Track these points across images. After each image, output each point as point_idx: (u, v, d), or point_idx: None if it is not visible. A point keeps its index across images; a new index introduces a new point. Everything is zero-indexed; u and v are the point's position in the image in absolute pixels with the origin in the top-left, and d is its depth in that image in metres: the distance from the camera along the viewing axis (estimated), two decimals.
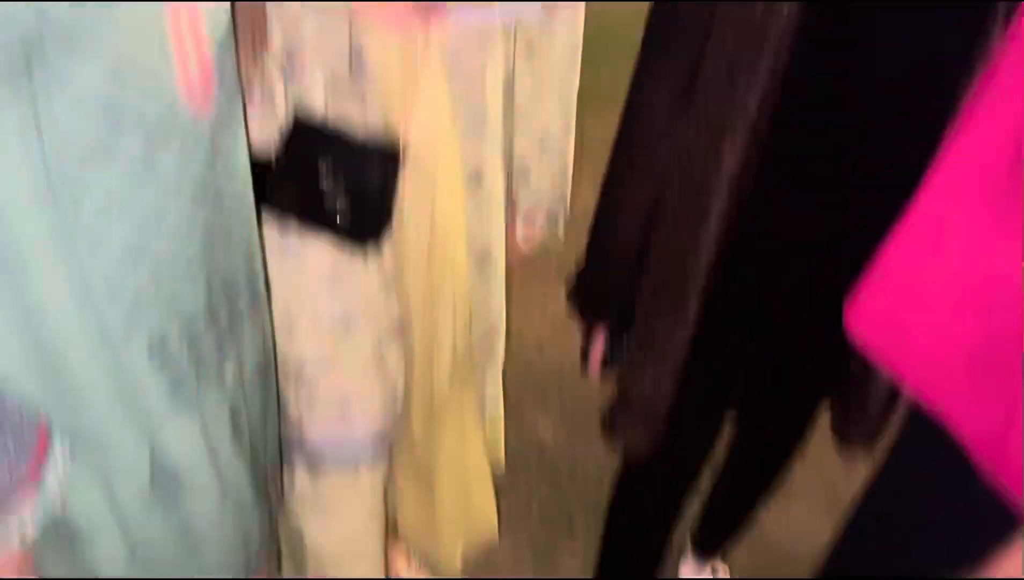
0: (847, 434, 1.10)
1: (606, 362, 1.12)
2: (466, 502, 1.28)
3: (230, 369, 0.76)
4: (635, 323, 1.04)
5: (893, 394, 1.04)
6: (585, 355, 1.14)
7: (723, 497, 1.52)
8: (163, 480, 0.71)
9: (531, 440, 1.90)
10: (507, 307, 1.13)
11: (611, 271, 1.06)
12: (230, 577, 0.81)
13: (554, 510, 1.76)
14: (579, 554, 1.68)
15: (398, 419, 1.06)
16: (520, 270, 2.18)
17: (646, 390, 1.04)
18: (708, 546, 1.60)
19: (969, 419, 0.71)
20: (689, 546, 1.63)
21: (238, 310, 0.77)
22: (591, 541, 1.69)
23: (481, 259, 1.01)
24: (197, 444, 0.73)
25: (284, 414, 0.99)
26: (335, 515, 1.04)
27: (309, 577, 1.09)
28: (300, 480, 1.02)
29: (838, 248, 0.95)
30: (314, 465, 1.01)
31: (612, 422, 1.12)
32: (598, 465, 1.73)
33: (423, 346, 1.03)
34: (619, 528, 1.35)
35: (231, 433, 0.78)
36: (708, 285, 0.95)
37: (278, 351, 0.95)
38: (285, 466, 1.02)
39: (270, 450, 0.90)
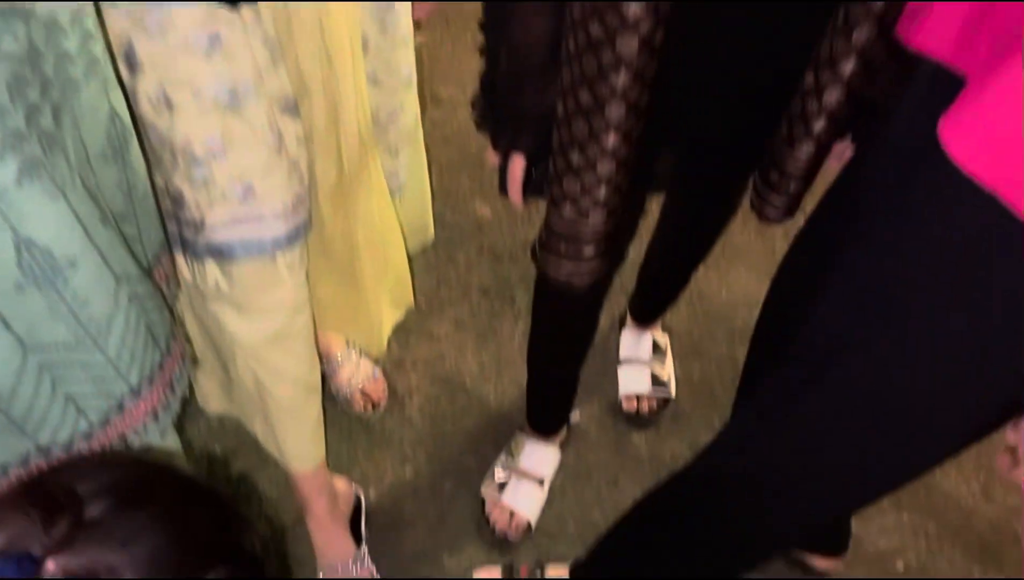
0: (765, 209, 1.05)
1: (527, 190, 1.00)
2: (386, 276, 1.24)
3: (70, 143, 0.67)
4: (553, 152, 0.91)
5: (810, 172, 0.99)
6: (503, 181, 1.00)
7: (657, 268, 1.51)
8: (36, 260, 0.64)
9: (469, 216, 1.85)
10: (427, 75, 1.02)
11: (517, 88, 0.91)
12: (138, 369, 0.76)
13: (495, 282, 1.75)
14: (521, 324, 1.69)
15: (306, 198, 0.98)
16: (446, 32, 1.98)
17: (569, 226, 0.95)
18: (646, 315, 1.62)
19: None
20: (628, 316, 1.64)
21: (70, 79, 0.67)
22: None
23: (381, 16, 0.88)
24: (63, 220, 0.65)
25: (183, 208, 0.90)
26: (258, 309, 0.99)
27: (241, 370, 1.06)
28: (213, 277, 0.95)
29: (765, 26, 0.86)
30: (225, 258, 0.93)
31: (535, 253, 1.04)
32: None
33: (324, 116, 0.93)
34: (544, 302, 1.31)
35: (99, 214, 0.70)
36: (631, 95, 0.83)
37: (159, 136, 0.85)
38: (195, 266, 0.95)
39: (149, 241, 0.82)
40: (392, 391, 1.58)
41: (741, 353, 1.67)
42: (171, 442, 0.91)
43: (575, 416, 1.56)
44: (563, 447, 1.49)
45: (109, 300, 0.71)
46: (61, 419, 0.71)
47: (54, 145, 0.66)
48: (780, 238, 1.90)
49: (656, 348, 1.61)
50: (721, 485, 0.98)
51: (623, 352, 1.61)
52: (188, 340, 1.15)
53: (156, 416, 0.79)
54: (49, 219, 0.64)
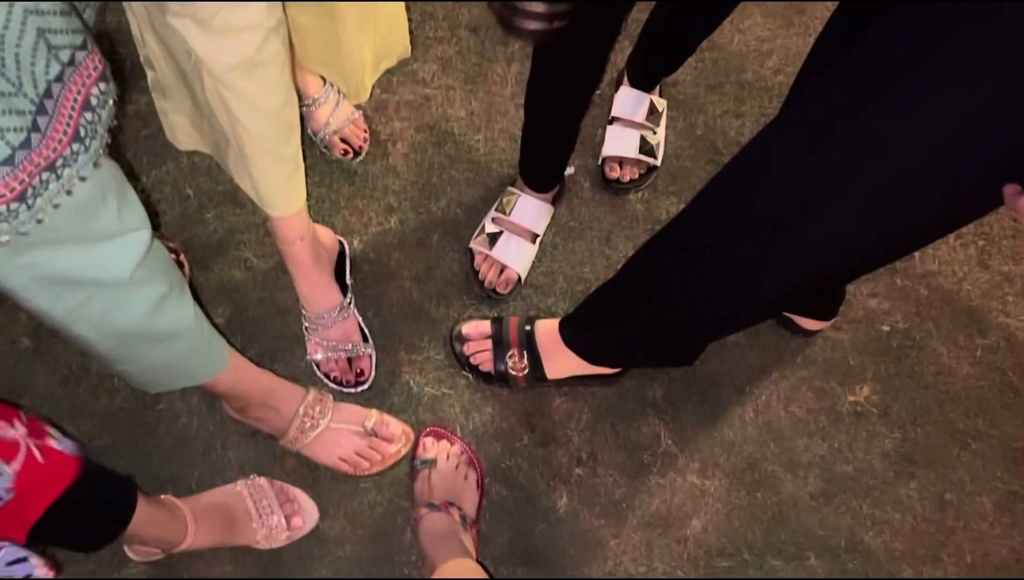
0: None
1: None
2: (371, 18, 1.09)
3: None
4: None
5: None
6: None
7: (663, 28, 1.35)
8: None
9: None
10: None
11: None
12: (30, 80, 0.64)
13: (487, 19, 1.58)
14: (515, 68, 1.55)
15: None
16: None
17: None
18: (644, 80, 1.48)
19: None
20: (625, 77, 1.50)
21: None
22: (525, 65, 1.55)
23: None
24: None
25: None
26: (225, 28, 0.85)
27: (212, 102, 0.93)
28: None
29: None
30: None
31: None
32: None
33: None
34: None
35: None
36: None
37: None
38: None
39: None
40: (374, 136, 1.47)
41: (748, 108, 1.57)
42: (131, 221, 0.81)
43: (570, 169, 1.48)
44: (555, 203, 1.41)
45: None
46: None
47: None
48: None
49: (651, 112, 1.48)
50: (715, 236, 0.93)
51: (615, 111, 1.49)
52: (150, 66, 1.01)
53: (82, 141, 0.68)
54: None
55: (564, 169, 1.39)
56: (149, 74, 1.05)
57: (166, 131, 1.12)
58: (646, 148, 1.45)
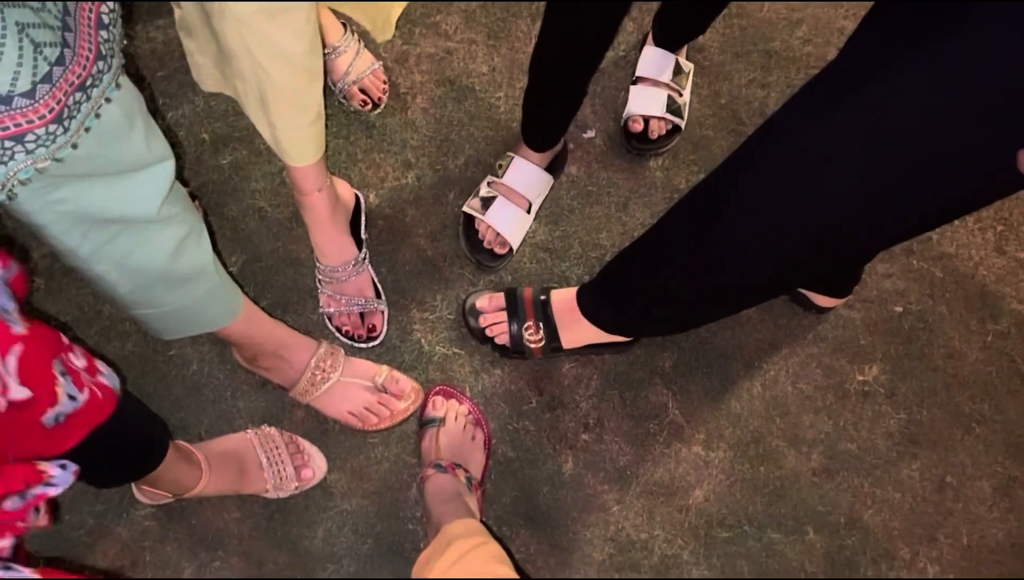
0: None
1: None
2: None
3: None
4: None
5: None
6: None
7: None
8: None
9: None
10: None
11: None
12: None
13: None
14: (539, 26, 1.51)
15: None
16: None
17: None
18: (670, 40, 1.44)
19: None
20: (651, 35, 1.47)
21: None
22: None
23: None
24: None
25: None
26: None
27: (235, 47, 0.91)
28: None
29: None
30: None
31: None
32: None
33: None
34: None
35: None
36: None
37: None
38: None
39: None
40: (394, 89, 1.44)
41: (774, 79, 1.54)
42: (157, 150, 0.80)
43: (590, 132, 1.45)
44: (555, 172, 1.38)
45: None
46: None
47: None
48: None
49: (677, 71, 1.46)
50: (731, 208, 0.92)
51: (640, 70, 1.45)
52: (176, 4, 0.99)
53: (104, 58, 0.67)
54: None
55: (566, 129, 1.33)
56: (176, 12, 1.02)
57: (192, 71, 1.10)
58: (673, 107, 1.43)
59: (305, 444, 1.21)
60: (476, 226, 1.34)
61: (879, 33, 0.79)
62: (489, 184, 1.35)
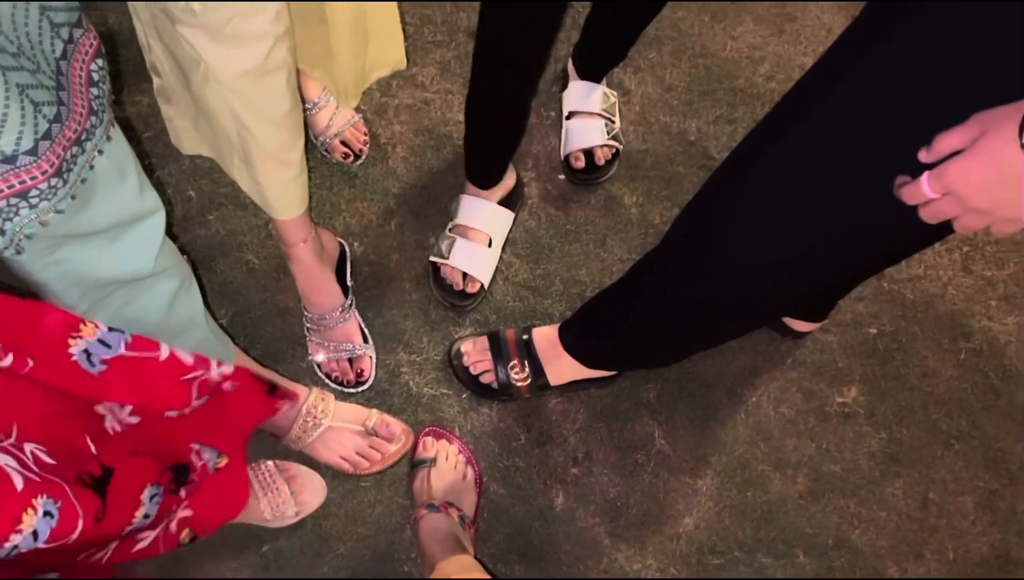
0: None
1: None
2: (363, 26, 1.11)
3: None
4: None
5: None
6: None
7: (604, 23, 1.37)
8: None
9: None
10: None
11: None
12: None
13: None
14: None
15: None
16: None
17: None
18: (593, 71, 1.49)
19: None
20: (571, 72, 1.52)
21: None
22: None
23: None
24: None
25: None
26: (235, 37, 0.86)
27: (218, 109, 0.95)
28: None
29: None
30: None
31: None
32: None
33: None
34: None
35: None
36: None
37: None
38: None
39: None
40: (374, 140, 1.49)
41: (740, 114, 1.60)
42: (150, 201, 0.84)
43: (563, 175, 1.50)
44: (513, 207, 1.41)
45: None
46: None
47: None
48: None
49: (605, 100, 1.50)
50: (703, 247, 0.96)
51: (571, 105, 1.50)
52: (155, 72, 1.03)
53: (95, 114, 0.72)
54: None
55: (507, 163, 1.37)
56: (155, 80, 1.06)
57: (171, 135, 1.14)
58: (612, 134, 1.48)
59: (301, 469, 1.23)
60: (442, 273, 1.37)
61: (817, 66, 0.83)
62: (449, 229, 1.38)
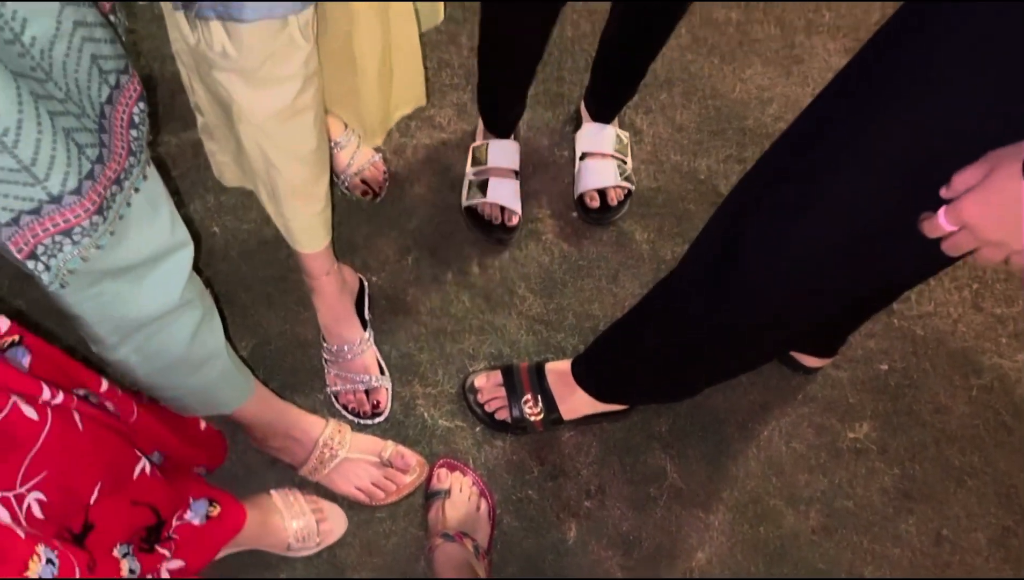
0: None
1: None
2: (388, 68, 1.16)
3: None
4: None
5: None
6: None
7: (612, 57, 1.42)
8: None
9: None
10: None
11: None
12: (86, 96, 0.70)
13: None
14: (527, 113, 1.62)
15: None
16: None
17: None
18: (604, 112, 1.54)
19: None
20: (584, 114, 1.57)
21: None
22: (536, 110, 1.62)
23: None
24: None
25: None
26: (268, 79, 0.91)
27: (249, 147, 1.00)
28: (220, 41, 0.87)
29: None
30: (233, 20, 0.84)
31: None
32: None
33: None
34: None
35: None
36: None
37: None
38: (201, 29, 0.86)
39: None
40: (393, 179, 1.53)
41: (750, 154, 1.64)
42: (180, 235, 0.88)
43: (576, 213, 1.54)
44: (516, 137, 1.53)
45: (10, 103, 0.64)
46: None
47: None
48: (801, 32, 1.80)
49: (618, 142, 1.54)
50: (715, 272, 0.98)
51: (584, 147, 1.54)
52: (199, 111, 1.08)
53: (134, 154, 0.76)
54: None
55: (521, 113, 1.52)
56: (199, 119, 1.11)
57: (214, 169, 1.19)
58: (624, 175, 1.53)
59: (324, 503, 1.24)
60: (481, 211, 1.46)
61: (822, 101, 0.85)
62: (476, 173, 1.48)
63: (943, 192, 0.70)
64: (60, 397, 0.75)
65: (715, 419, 1.39)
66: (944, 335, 1.49)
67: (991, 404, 1.44)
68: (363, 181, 1.48)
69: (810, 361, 1.41)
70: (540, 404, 1.31)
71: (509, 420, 1.32)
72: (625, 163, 1.54)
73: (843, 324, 1.35)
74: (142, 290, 0.85)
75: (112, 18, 0.76)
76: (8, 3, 0.60)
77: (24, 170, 0.64)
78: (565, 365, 1.32)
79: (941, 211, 0.70)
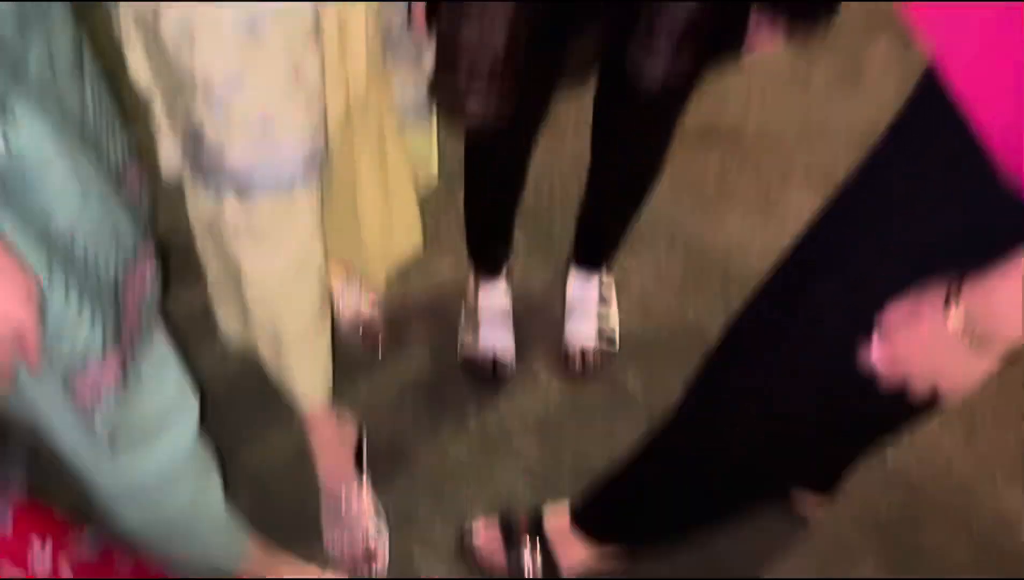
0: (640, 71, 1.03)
1: (432, 15, 1.00)
2: (388, 217, 1.23)
3: (34, 59, 0.65)
4: None
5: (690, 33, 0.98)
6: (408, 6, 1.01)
7: (594, 206, 1.49)
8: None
9: None
10: None
11: None
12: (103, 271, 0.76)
13: None
14: (523, 264, 1.69)
15: (323, 129, 0.97)
16: None
17: (470, 42, 0.95)
18: (589, 260, 1.59)
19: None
20: (572, 261, 1.63)
21: None
22: (530, 262, 1.70)
23: None
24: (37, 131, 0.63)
25: (202, 144, 0.89)
26: (274, 244, 0.98)
27: (254, 304, 1.06)
28: (231, 210, 0.94)
29: None
30: (244, 192, 0.92)
31: (435, 81, 1.04)
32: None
33: (335, 48, 0.92)
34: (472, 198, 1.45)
35: (60, 120, 0.67)
36: None
37: (180, 69, 0.83)
38: (213, 197, 0.94)
39: (115, 153, 0.80)
40: (392, 330, 1.58)
41: (734, 295, 1.69)
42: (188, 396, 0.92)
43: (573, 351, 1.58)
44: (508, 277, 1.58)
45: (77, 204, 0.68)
46: None
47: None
48: (776, 182, 1.91)
49: (602, 295, 1.60)
50: (707, 424, 1.01)
51: (569, 302, 1.60)
52: (208, 272, 1.14)
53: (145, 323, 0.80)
54: None
55: (508, 251, 1.56)
56: (210, 285, 1.17)
57: (220, 326, 1.24)
58: (605, 335, 1.57)
59: None
60: (473, 359, 1.50)
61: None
62: (468, 320, 1.53)
63: (878, 323, 0.73)
64: None
65: (717, 567, 1.37)
66: (938, 474, 1.50)
67: (993, 543, 1.43)
68: (361, 331, 1.53)
69: (808, 501, 1.41)
70: (539, 554, 1.30)
71: (507, 575, 1.30)
72: (609, 317, 1.59)
73: (838, 462, 1.36)
74: (151, 451, 0.87)
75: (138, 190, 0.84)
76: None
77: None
78: (563, 510, 1.31)
79: (874, 340, 0.73)
